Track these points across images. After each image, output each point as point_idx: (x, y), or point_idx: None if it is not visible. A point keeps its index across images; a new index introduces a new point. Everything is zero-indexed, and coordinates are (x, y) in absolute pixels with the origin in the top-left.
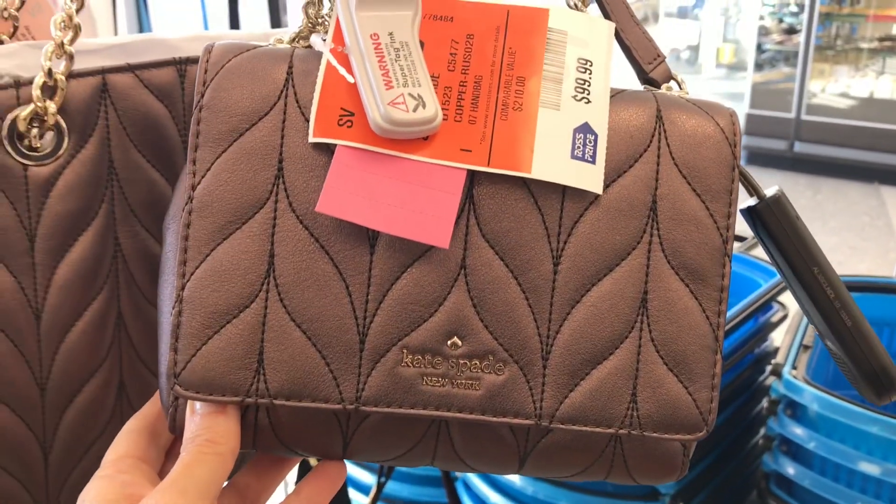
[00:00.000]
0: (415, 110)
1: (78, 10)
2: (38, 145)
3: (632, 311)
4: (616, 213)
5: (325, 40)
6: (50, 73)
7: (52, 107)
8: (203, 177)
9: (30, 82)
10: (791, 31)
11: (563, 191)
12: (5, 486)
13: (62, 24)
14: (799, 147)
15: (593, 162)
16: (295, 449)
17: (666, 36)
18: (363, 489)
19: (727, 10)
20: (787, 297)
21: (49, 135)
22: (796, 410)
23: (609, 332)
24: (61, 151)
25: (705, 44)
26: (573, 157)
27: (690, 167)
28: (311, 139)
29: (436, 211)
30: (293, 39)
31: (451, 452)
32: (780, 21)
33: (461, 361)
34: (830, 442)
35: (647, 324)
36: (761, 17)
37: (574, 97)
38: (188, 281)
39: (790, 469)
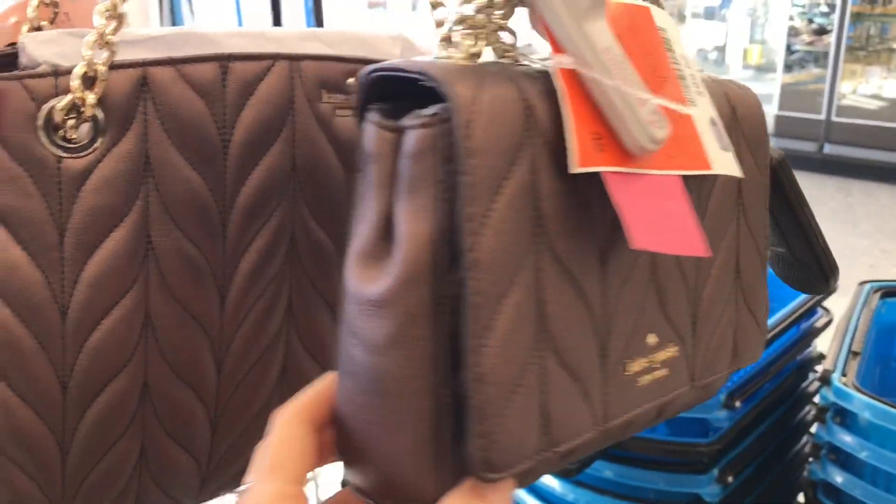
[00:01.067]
0: (662, 126)
1: (124, 0)
2: (74, 137)
3: (733, 273)
4: (724, 193)
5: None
6: (91, 63)
7: (91, 98)
8: (479, 234)
9: (68, 72)
10: (821, 31)
11: (701, 180)
12: (22, 486)
13: (106, 13)
14: (829, 149)
15: (729, 150)
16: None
17: (692, 37)
18: None
19: (755, 11)
20: (831, 303)
21: (85, 127)
22: (846, 418)
23: (724, 295)
24: (97, 144)
25: (732, 44)
26: (720, 147)
27: (752, 141)
28: (576, 169)
29: (682, 222)
30: (471, 54)
31: (624, 431)
32: (810, 21)
33: (655, 353)
34: (883, 451)
35: (739, 280)
36: (791, 18)
37: (697, 92)
38: (484, 356)
39: (839, 478)
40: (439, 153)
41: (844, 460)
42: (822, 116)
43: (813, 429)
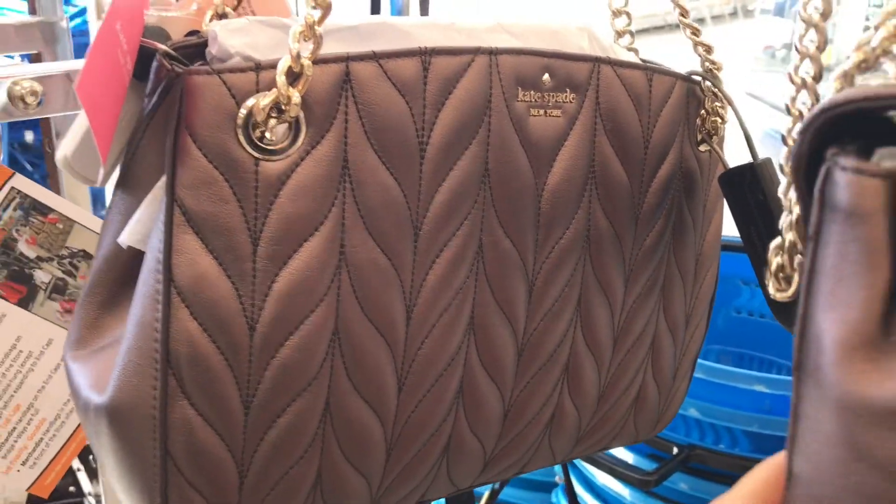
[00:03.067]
0: None
1: None
2: (272, 138)
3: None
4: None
5: None
6: (296, 57)
7: (295, 96)
8: None
9: (271, 66)
10: None
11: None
12: None
13: (314, 1)
14: None
15: None
16: None
17: (759, 33)
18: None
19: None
20: None
21: (282, 127)
22: None
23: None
24: (296, 146)
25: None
26: None
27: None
28: None
29: None
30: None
31: None
32: None
33: None
34: None
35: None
36: (867, 18)
37: None
38: None
39: None
40: None
41: None
42: None
43: None
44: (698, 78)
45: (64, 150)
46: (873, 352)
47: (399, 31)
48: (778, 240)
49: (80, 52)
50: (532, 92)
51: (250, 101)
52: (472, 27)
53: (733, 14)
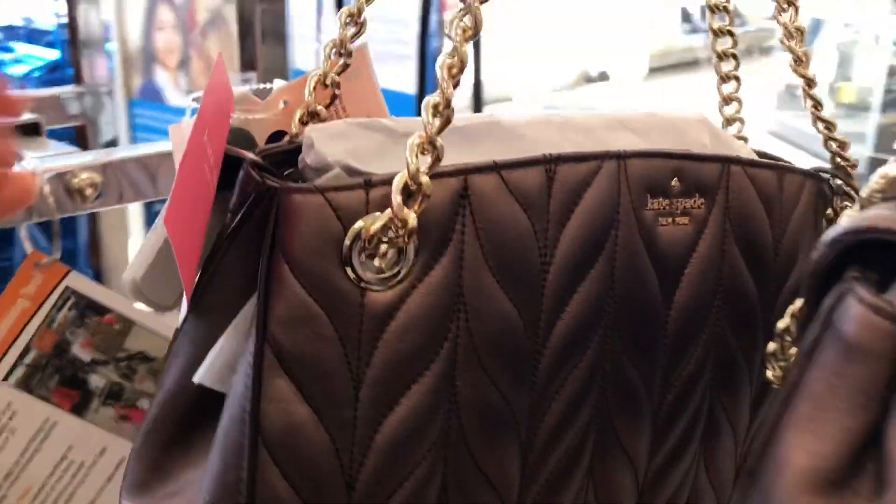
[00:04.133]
0: None
1: (455, 87)
2: (380, 265)
3: None
4: None
5: None
6: (415, 173)
7: (412, 218)
8: None
9: (383, 182)
10: None
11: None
12: None
13: (434, 107)
14: None
15: None
16: None
17: (781, 71)
18: None
19: (850, 46)
20: None
21: (392, 251)
22: None
23: None
24: (407, 273)
25: (821, 82)
26: None
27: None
28: None
29: None
30: None
31: None
32: None
33: None
34: None
35: None
36: None
37: None
38: None
39: None
40: None
41: None
42: None
43: None
44: (827, 175)
45: (133, 273)
46: (829, 491)
47: (510, 131)
48: (781, 322)
49: None
50: (661, 199)
51: (359, 225)
52: (589, 124)
53: (748, 52)
